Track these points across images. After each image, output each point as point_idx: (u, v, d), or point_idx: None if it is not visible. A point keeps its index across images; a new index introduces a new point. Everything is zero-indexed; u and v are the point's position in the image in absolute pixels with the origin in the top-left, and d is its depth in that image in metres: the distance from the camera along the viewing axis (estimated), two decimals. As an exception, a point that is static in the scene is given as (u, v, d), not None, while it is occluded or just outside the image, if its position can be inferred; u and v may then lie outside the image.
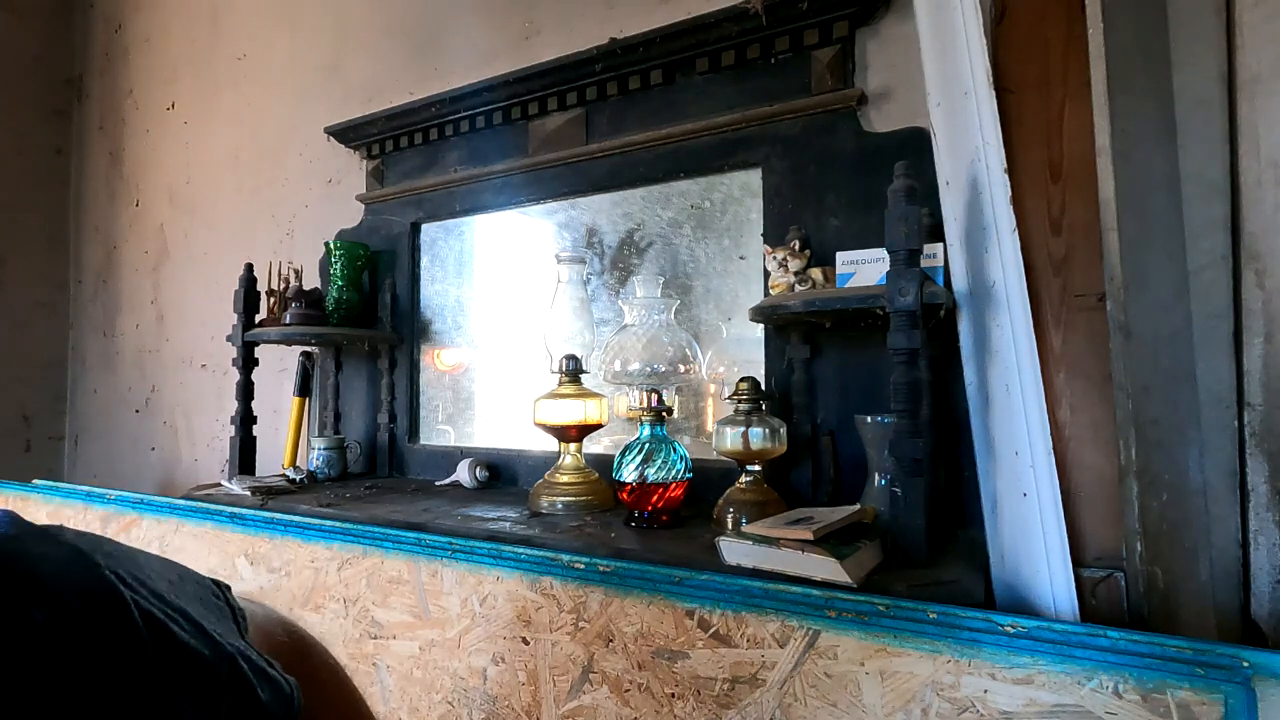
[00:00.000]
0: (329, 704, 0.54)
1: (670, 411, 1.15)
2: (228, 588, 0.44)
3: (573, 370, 1.26)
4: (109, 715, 0.31)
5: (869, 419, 1.03)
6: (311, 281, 1.79)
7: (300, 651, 0.55)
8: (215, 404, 2.17)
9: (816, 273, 1.13)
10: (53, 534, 0.35)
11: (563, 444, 1.26)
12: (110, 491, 1.37)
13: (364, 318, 1.72)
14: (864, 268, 1.07)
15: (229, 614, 0.42)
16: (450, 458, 1.57)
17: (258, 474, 1.62)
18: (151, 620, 0.34)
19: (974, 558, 0.93)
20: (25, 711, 0.29)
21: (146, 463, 2.36)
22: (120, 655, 0.32)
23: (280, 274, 1.71)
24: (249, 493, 1.38)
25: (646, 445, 1.10)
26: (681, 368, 1.22)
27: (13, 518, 0.35)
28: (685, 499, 1.12)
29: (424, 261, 1.75)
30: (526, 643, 0.89)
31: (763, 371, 1.27)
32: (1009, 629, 0.65)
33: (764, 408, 1.11)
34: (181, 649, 0.35)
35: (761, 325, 1.25)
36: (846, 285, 1.07)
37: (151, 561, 0.39)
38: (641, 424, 1.13)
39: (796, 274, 1.13)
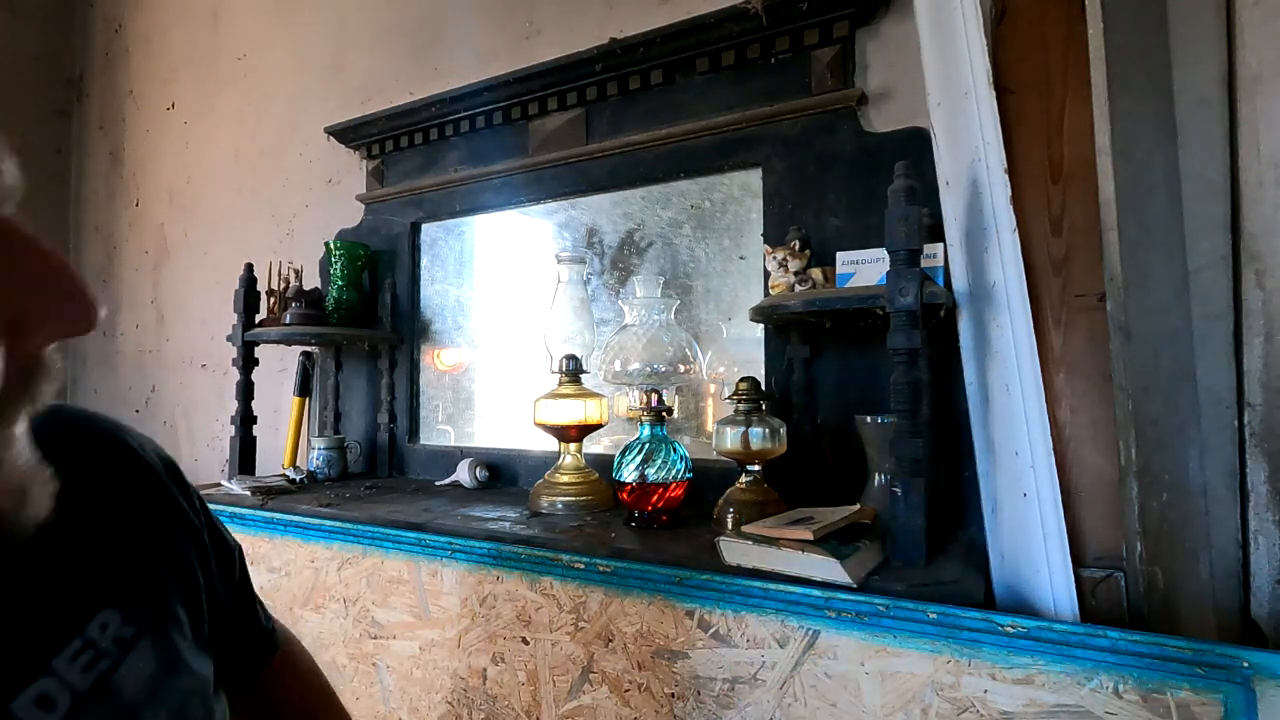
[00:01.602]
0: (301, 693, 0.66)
1: (670, 411, 1.15)
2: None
3: (573, 370, 1.26)
4: (184, 530, 0.50)
5: (869, 419, 1.03)
6: (311, 281, 1.79)
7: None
8: (215, 404, 2.17)
9: (816, 273, 1.13)
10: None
11: (563, 444, 1.26)
12: (110, 491, 1.37)
13: (364, 318, 1.72)
14: (864, 268, 1.07)
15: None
16: (450, 458, 1.57)
17: (258, 474, 1.62)
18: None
19: (974, 558, 0.93)
20: (154, 519, 0.48)
21: (146, 463, 2.35)
22: (189, 497, 0.53)
23: (280, 274, 1.71)
24: (249, 493, 1.38)
25: (646, 445, 1.10)
26: (681, 368, 1.22)
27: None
28: (685, 499, 1.11)
29: (424, 261, 1.75)
30: (526, 643, 0.89)
31: (763, 371, 1.27)
32: (1009, 629, 0.65)
33: (764, 408, 1.11)
34: (213, 521, 0.55)
35: (761, 325, 1.25)
36: (846, 285, 1.07)
37: None
38: (641, 424, 1.13)
39: (796, 274, 1.13)
